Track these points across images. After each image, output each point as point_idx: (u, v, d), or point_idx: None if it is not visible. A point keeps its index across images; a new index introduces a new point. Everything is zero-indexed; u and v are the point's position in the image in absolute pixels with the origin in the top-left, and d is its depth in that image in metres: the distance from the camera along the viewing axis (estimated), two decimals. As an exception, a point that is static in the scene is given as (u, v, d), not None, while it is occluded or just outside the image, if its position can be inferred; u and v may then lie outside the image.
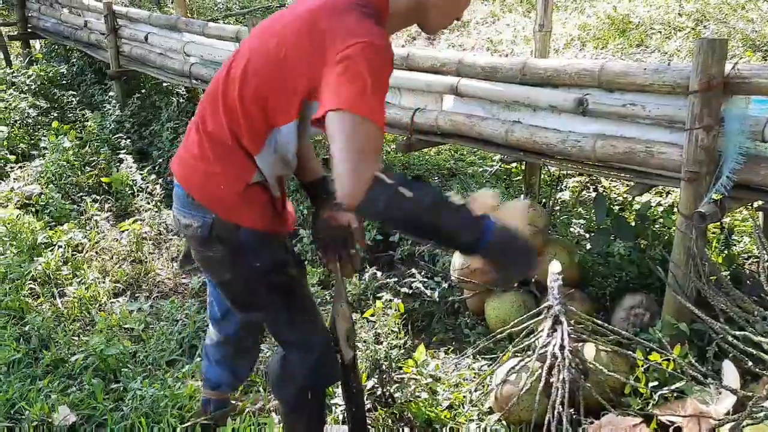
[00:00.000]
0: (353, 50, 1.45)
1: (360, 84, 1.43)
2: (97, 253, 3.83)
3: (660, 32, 6.48)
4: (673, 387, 2.18)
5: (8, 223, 3.94)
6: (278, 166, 1.72)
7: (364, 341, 2.59)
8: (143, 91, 6.04)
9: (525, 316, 2.55)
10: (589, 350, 2.39)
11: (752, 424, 1.83)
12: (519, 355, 2.45)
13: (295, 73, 1.56)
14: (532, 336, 2.43)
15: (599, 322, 2.45)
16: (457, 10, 1.70)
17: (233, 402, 2.40)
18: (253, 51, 1.65)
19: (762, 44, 5.89)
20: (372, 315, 2.86)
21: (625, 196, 3.66)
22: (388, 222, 1.54)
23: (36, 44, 8.09)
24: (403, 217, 1.45)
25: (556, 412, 2.09)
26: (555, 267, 2.52)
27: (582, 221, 3.52)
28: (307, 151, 1.92)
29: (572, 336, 2.31)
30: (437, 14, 1.66)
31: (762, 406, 1.82)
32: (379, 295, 3.10)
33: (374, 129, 1.44)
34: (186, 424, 2.33)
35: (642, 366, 2.26)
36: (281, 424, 2.20)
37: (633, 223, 2.94)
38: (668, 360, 2.23)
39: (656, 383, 2.23)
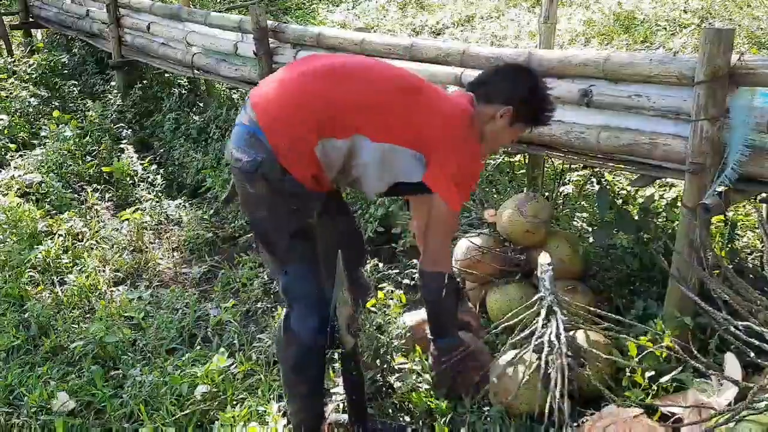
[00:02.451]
0: (465, 168, 2.10)
1: (464, 191, 2.15)
2: (97, 242, 3.82)
3: (665, 29, 6.46)
4: (669, 376, 2.18)
5: (8, 211, 3.93)
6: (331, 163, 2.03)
7: (366, 331, 2.58)
8: (145, 81, 6.03)
9: (518, 308, 2.53)
10: (585, 340, 2.39)
11: (752, 415, 1.82)
12: (517, 347, 2.43)
13: (393, 118, 2.05)
14: (528, 328, 2.41)
15: (593, 309, 2.44)
16: (502, 142, 2.31)
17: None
18: (372, 78, 2.08)
19: (767, 41, 5.87)
20: (374, 305, 2.85)
21: (628, 189, 3.65)
22: (431, 299, 2.26)
23: (38, 34, 8.07)
24: (439, 304, 2.24)
25: (556, 401, 2.08)
26: (544, 258, 2.50)
27: (585, 215, 3.51)
28: None
29: (567, 326, 2.30)
30: (490, 141, 2.22)
31: (762, 397, 1.81)
32: (380, 286, 3.09)
33: (457, 218, 2.31)
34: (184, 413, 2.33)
35: (636, 356, 2.25)
36: (282, 389, 2.22)
37: (636, 217, 2.93)
38: (662, 348, 2.23)
39: (652, 372, 2.22)
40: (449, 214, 2.11)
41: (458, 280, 2.22)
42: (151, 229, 4.02)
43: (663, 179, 3.23)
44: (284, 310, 2.10)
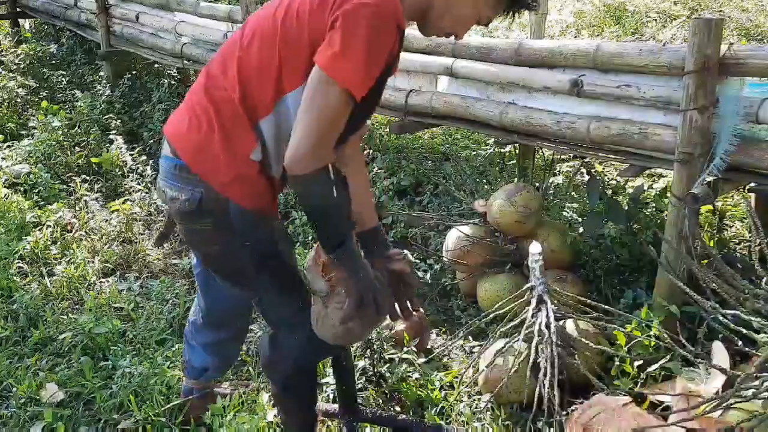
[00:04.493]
0: (352, 7, 1.46)
1: (347, 45, 1.46)
2: (86, 233, 3.80)
3: (655, 20, 6.47)
4: (657, 365, 2.19)
5: (-4, 202, 3.90)
6: (282, 138, 1.63)
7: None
8: (134, 71, 5.98)
9: (509, 298, 2.55)
10: (575, 329, 2.40)
11: (740, 403, 1.83)
12: (506, 336, 2.45)
13: (303, 38, 1.56)
14: (517, 317, 2.43)
15: (583, 298, 2.45)
16: (462, 18, 1.64)
17: (216, 390, 2.37)
18: (271, 15, 1.63)
19: (756, 33, 5.90)
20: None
21: (618, 179, 3.66)
22: (302, 200, 1.66)
23: (25, 23, 7.98)
24: (316, 207, 1.61)
25: (546, 390, 2.09)
26: (535, 248, 2.51)
27: (575, 205, 3.52)
28: (361, 195, 1.86)
29: (557, 315, 2.32)
30: (439, 12, 1.63)
31: (750, 385, 1.83)
32: (370, 276, 3.09)
33: (346, 99, 1.49)
34: (175, 402, 2.32)
35: (624, 345, 2.27)
36: (273, 403, 2.20)
37: (625, 207, 2.94)
38: (650, 336, 2.25)
39: (641, 361, 2.24)
40: (331, 88, 1.48)
41: (343, 172, 1.63)
42: (140, 220, 4.00)
43: (652, 169, 3.25)
44: (267, 330, 1.97)
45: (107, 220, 3.90)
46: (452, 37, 1.71)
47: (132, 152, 4.79)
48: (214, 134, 1.66)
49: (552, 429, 2.11)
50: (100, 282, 3.38)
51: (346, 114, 1.53)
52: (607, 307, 2.37)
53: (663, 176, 3.72)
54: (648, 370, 2.21)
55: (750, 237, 3.03)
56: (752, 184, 2.68)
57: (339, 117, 1.52)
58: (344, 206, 1.65)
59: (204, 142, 1.68)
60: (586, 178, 3.67)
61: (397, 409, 2.39)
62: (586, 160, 3.80)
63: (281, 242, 1.84)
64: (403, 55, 3.40)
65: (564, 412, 2.12)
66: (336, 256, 1.64)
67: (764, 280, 1.97)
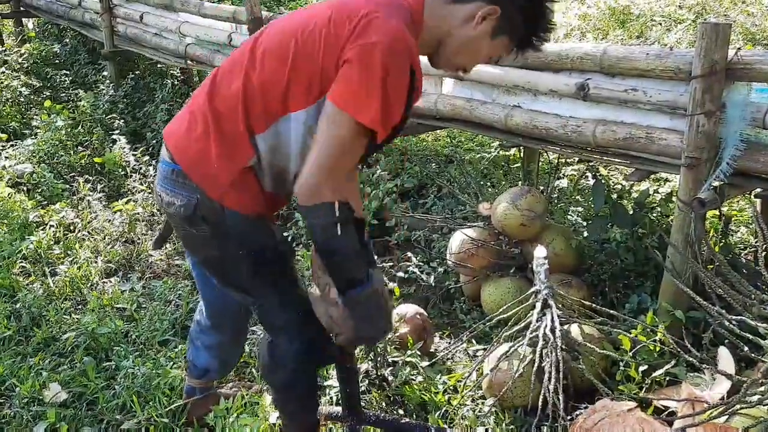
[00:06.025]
0: (367, 45, 1.47)
1: (363, 82, 1.47)
2: (89, 233, 3.80)
3: (660, 24, 6.47)
4: (662, 370, 2.19)
5: (0, 202, 3.90)
6: (277, 156, 1.65)
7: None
8: (137, 71, 5.99)
9: (513, 302, 2.54)
10: (580, 334, 2.39)
11: (745, 408, 1.82)
12: (511, 340, 2.44)
13: (315, 63, 1.56)
14: (522, 321, 2.42)
15: (587, 303, 2.45)
16: (473, 57, 1.68)
17: (219, 391, 2.37)
18: (285, 32, 1.62)
19: (762, 38, 5.89)
20: (367, 298, 2.84)
21: (623, 183, 3.65)
22: (323, 243, 1.61)
23: (29, 23, 7.99)
24: (319, 242, 1.61)
25: (550, 395, 2.09)
26: (540, 252, 2.50)
27: (580, 209, 3.51)
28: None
29: (562, 319, 2.31)
30: (452, 49, 1.65)
31: (755, 391, 1.82)
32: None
33: (361, 133, 1.51)
34: (178, 403, 2.32)
35: (630, 349, 2.26)
36: (274, 405, 2.19)
37: (631, 211, 2.93)
38: (655, 342, 2.24)
39: (646, 366, 2.23)
40: (344, 122, 1.50)
41: (349, 204, 1.57)
42: (143, 221, 4.00)
43: (658, 174, 3.24)
44: (266, 336, 1.93)
45: (110, 220, 3.90)
46: (460, 72, 1.73)
47: (135, 152, 4.79)
48: (211, 142, 1.65)
49: (556, 434, 2.11)
50: (103, 282, 3.38)
51: (359, 148, 1.56)
52: (611, 311, 2.37)
53: (669, 181, 3.72)
54: (653, 375, 2.20)
55: (755, 242, 3.02)
56: (758, 190, 2.67)
57: (351, 151, 1.55)
58: (348, 250, 1.60)
59: (201, 149, 1.66)
60: (591, 181, 3.67)
61: (401, 412, 2.38)
62: (591, 164, 3.79)
63: (281, 245, 1.82)
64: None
65: (568, 417, 2.11)
66: (341, 298, 1.63)
67: (771, 285, 1.97)
